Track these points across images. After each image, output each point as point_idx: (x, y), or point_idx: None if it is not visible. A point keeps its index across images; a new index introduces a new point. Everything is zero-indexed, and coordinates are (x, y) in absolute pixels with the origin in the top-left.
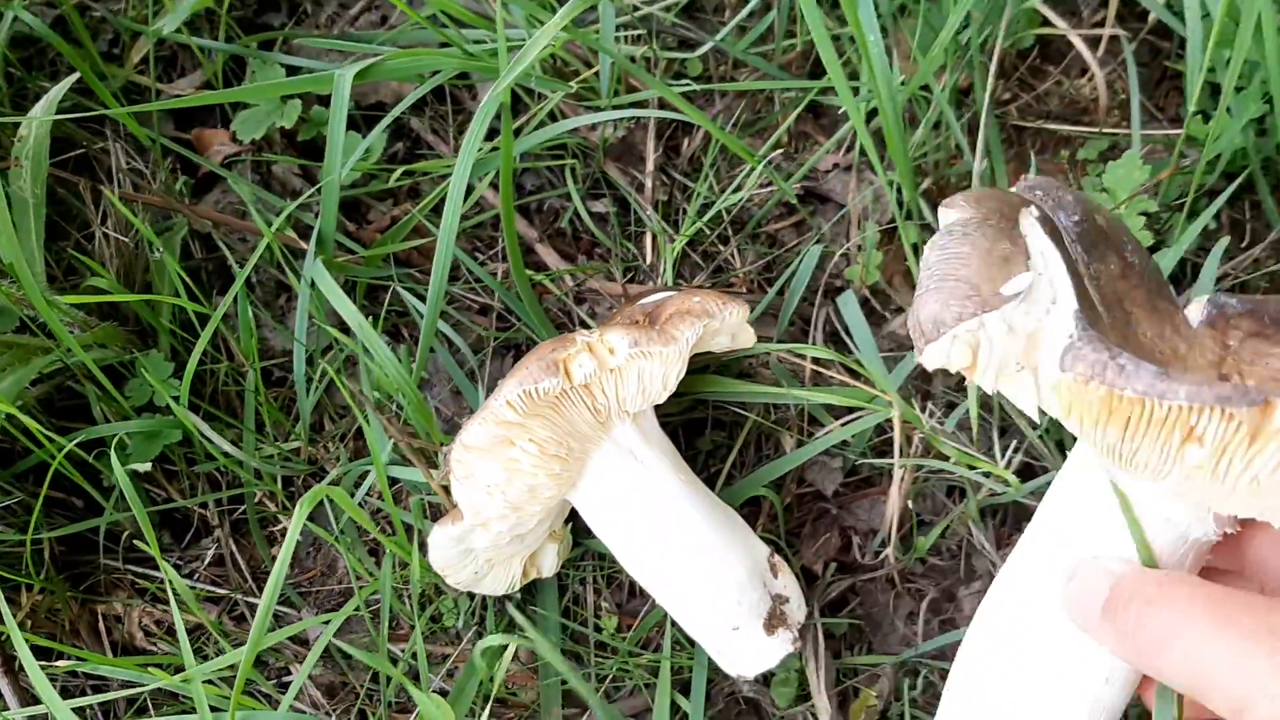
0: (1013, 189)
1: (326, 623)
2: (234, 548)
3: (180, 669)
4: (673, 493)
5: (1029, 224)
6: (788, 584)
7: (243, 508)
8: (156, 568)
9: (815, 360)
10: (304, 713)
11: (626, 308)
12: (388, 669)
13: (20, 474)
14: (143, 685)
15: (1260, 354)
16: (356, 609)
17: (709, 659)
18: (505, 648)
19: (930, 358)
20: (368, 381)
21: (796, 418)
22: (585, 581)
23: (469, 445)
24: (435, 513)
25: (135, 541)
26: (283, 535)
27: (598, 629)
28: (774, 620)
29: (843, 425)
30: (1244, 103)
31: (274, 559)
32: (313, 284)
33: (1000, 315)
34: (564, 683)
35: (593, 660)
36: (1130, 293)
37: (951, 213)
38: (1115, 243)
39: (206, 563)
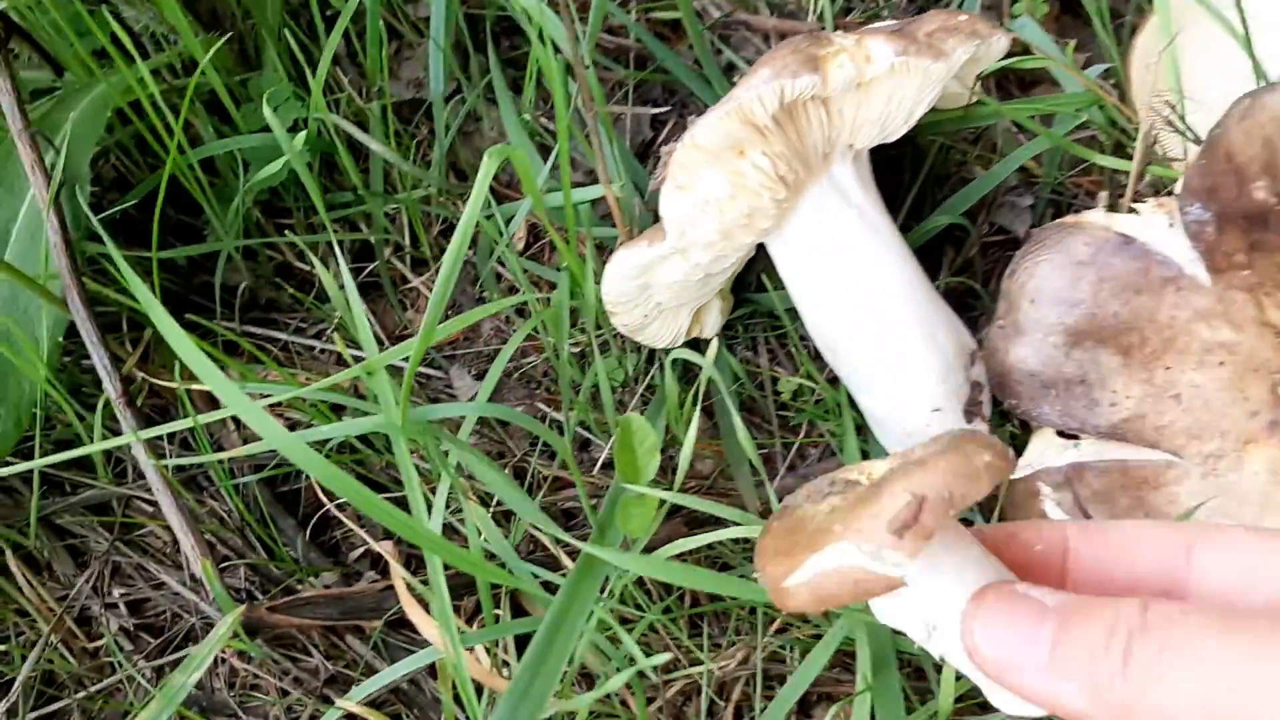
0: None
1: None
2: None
3: None
4: (886, 247)
5: None
6: (982, 375)
7: (367, 267)
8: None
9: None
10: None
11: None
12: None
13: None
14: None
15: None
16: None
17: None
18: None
19: None
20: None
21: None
22: (756, 343)
23: (700, 144)
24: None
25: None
26: (414, 296)
27: (776, 391)
28: (972, 408)
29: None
30: None
31: (408, 322)
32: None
33: None
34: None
35: (775, 420)
36: None
37: None
38: None
39: (334, 325)
